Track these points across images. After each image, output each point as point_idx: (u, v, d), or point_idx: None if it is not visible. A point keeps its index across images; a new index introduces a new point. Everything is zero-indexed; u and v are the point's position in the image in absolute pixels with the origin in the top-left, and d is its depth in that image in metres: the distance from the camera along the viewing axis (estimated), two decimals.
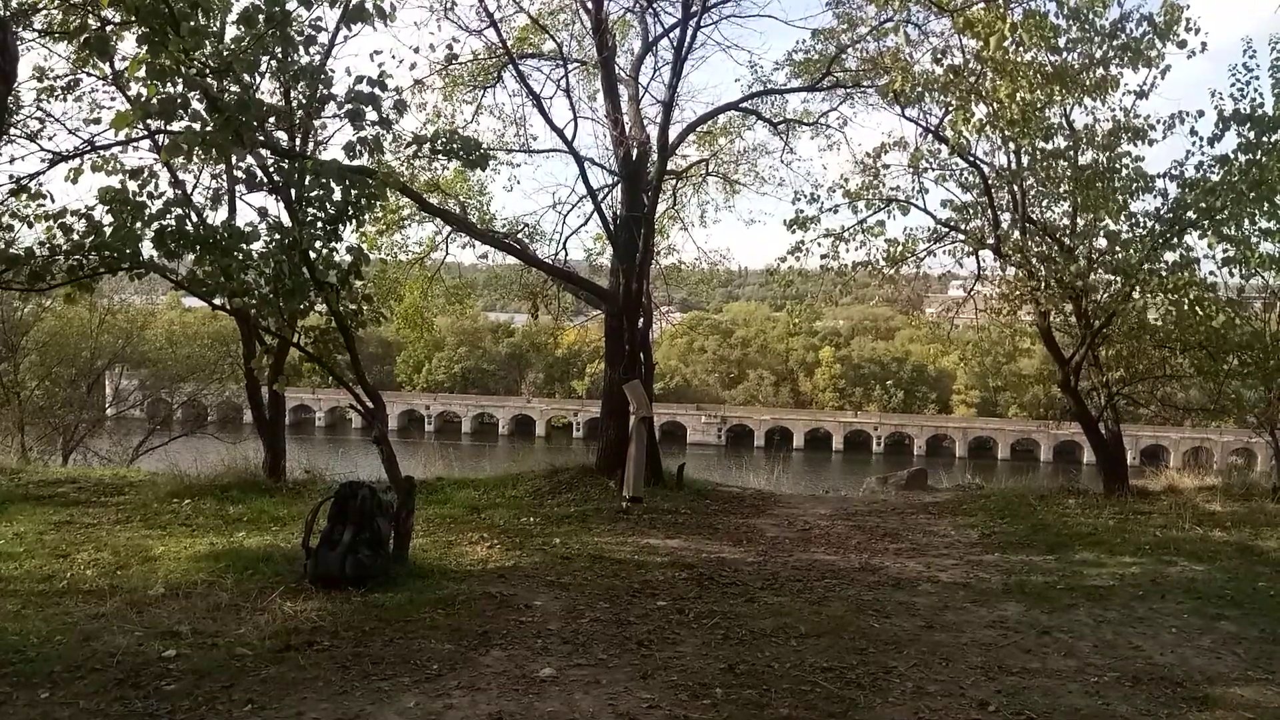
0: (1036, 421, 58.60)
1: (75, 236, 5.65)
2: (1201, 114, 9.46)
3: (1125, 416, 11.78)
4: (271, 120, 5.67)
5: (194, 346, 27.17)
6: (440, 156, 6.65)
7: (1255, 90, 9.25)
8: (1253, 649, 5.19)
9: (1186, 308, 9.40)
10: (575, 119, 11.67)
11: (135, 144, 6.65)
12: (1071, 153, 9.88)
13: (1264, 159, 8.96)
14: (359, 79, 5.73)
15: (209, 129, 5.08)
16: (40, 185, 6.85)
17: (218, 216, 8.13)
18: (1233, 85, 9.28)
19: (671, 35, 11.12)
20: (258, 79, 5.71)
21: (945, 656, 4.95)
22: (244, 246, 5.86)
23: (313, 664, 4.60)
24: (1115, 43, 8.90)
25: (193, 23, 4.93)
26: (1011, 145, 10.25)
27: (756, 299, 72.24)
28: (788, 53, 11.66)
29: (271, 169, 5.97)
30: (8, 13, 6.16)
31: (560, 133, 11.07)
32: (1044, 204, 10.85)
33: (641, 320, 11.05)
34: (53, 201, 6.22)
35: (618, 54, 11.50)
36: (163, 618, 5.28)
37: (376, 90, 5.71)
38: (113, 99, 8.86)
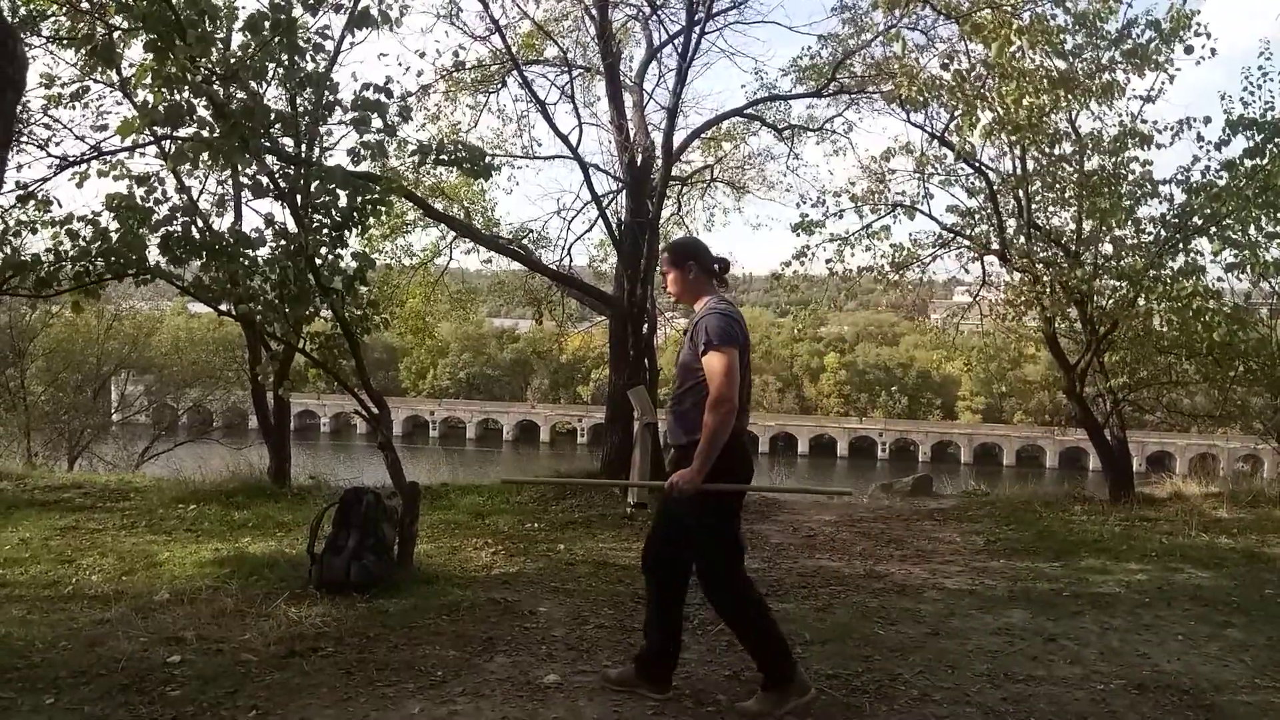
0: (1042, 428, 58.40)
1: (82, 242, 5.66)
2: (1209, 120, 9.43)
3: (1131, 423, 11.73)
4: (277, 127, 5.69)
5: (199, 352, 27.32)
6: (445, 164, 6.65)
7: (1268, 93, 9.22)
8: (1260, 656, 5.16)
9: (1191, 317, 9.35)
10: (580, 125, 11.75)
11: (142, 150, 6.67)
12: (1077, 158, 9.86)
13: (1270, 165, 8.91)
14: (365, 85, 5.76)
15: (215, 136, 5.10)
16: (48, 191, 6.87)
17: (224, 223, 8.15)
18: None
19: (676, 42, 11.16)
20: (264, 85, 5.74)
21: (951, 664, 4.93)
22: (249, 253, 5.88)
23: (317, 670, 4.60)
24: (1123, 48, 8.88)
25: (199, 30, 4.95)
26: (1017, 150, 10.24)
27: (761, 304, 72.15)
28: (792, 59, 11.70)
29: (277, 175, 5.99)
30: (16, 20, 6.19)
31: (565, 139, 11.13)
32: (1049, 209, 10.84)
33: (646, 326, 11.04)
34: (60, 207, 6.24)
35: (622, 60, 11.54)
36: (168, 623, 5.28)
37: (382, 97, 5.73)
38: (119, 103, 8.90)
